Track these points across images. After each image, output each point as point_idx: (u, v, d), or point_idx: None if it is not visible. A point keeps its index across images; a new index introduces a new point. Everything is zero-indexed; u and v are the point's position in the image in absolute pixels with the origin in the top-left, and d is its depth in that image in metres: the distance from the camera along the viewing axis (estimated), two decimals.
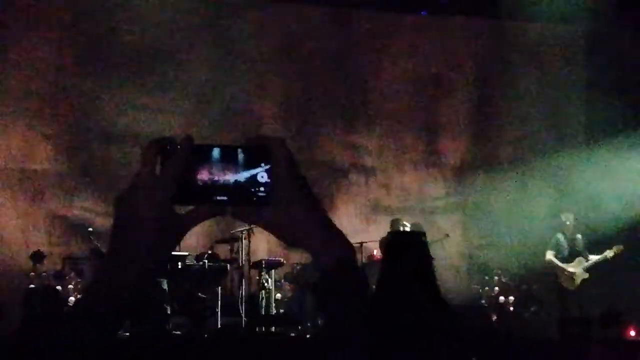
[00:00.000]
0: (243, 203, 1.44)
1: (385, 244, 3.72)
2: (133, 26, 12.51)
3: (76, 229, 12.15)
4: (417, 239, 4.08)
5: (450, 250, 13.48)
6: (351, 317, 1.42)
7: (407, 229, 12.30)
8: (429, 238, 12.54)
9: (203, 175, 1.44)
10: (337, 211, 13.71)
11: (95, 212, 12.02)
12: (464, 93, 14.61)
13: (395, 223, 12.24)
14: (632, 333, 10.36)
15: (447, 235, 13.11)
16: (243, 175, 1.44)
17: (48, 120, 12.71)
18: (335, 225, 1.47)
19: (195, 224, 1.46)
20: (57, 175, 12.64)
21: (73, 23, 12.73)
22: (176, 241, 1.45)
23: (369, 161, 14.19)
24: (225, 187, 1.44)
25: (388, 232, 3.94)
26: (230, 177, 1.44)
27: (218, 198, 1.44)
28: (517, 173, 14.26)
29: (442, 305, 3.51)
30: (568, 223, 11.77)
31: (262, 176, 1.44)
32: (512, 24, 14.37)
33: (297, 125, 13.77)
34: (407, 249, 3.65)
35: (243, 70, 13.40)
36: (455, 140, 14.57)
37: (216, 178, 1.44)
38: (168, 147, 1.44)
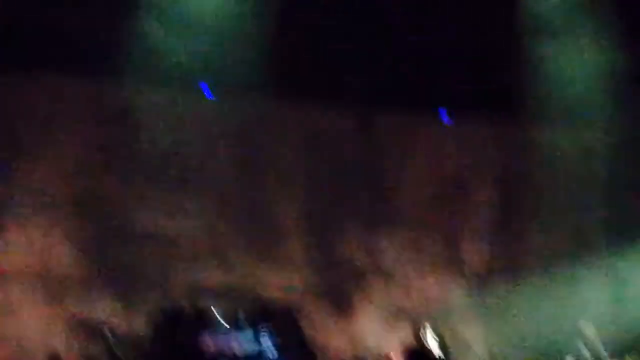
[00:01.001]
0: None
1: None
2: (155, 128, 12.54)
3: (94, 330, 11.99)
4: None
5: (471, 355, 13.29)
6: None
7: (428, 336, 12.15)
8: (449, 344, 12.17)
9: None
10: (356, 315, 13.61)
11: (111, 314, 11.92)
12: (485, 197, 14.62)
13: (417, 330, 12.13)
14: None
15: (470, 346, 12.99)
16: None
17: (69, 219, 12.62)
18: None
19: None
20: (76, 277, 12.51)
21: (98, 124, 12.82)
22: None
23: (389, 264, 14.10)
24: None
25: (405, 347, 3.84)
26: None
27: None
28: (540, 280, 14.11)
29: None
30: (587, 332, 11.80)
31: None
32: (533, 129, 14.46)
33: (319, 228, 13.76)
34: None
35: (265, 172, 13.47)
36: (476, 244, 14.51)
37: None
38: None
